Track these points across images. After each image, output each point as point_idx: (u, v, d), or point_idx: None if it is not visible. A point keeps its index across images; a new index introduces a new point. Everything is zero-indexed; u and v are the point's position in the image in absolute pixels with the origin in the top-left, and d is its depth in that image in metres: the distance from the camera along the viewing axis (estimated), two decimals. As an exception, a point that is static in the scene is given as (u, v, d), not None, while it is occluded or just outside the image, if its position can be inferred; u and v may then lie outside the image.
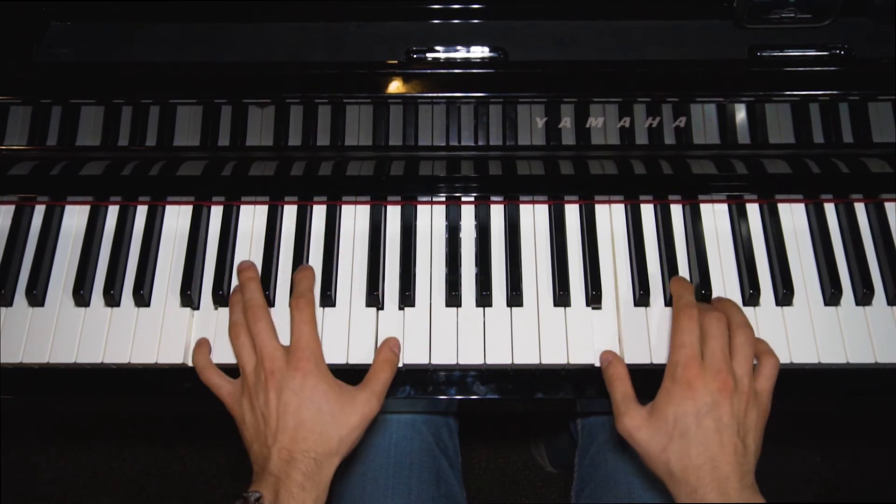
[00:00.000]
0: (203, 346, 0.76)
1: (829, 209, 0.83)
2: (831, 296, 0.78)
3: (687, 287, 0.75)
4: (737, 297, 0.79)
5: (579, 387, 0.77)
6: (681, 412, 0.65)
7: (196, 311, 0.79)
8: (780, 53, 0.73)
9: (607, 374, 0.73)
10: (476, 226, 0.83)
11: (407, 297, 0.78)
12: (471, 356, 0.76)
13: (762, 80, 0.72)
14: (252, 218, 0.84)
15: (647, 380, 0.74)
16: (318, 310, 0.79)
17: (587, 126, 0.74)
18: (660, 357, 0.76)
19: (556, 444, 1.49)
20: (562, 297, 0.78)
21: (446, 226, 0.83)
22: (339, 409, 0.68)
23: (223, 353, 0.76)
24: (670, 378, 0.68)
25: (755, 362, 0.71)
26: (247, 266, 0.78)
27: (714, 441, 0.64)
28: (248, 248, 0.82)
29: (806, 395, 0.78)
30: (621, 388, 0.71)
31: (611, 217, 0.83)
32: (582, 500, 0.89)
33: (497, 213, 0.84)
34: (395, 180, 0.83)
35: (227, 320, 0.77)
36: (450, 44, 0.73)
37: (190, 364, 0.76)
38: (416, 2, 0.75)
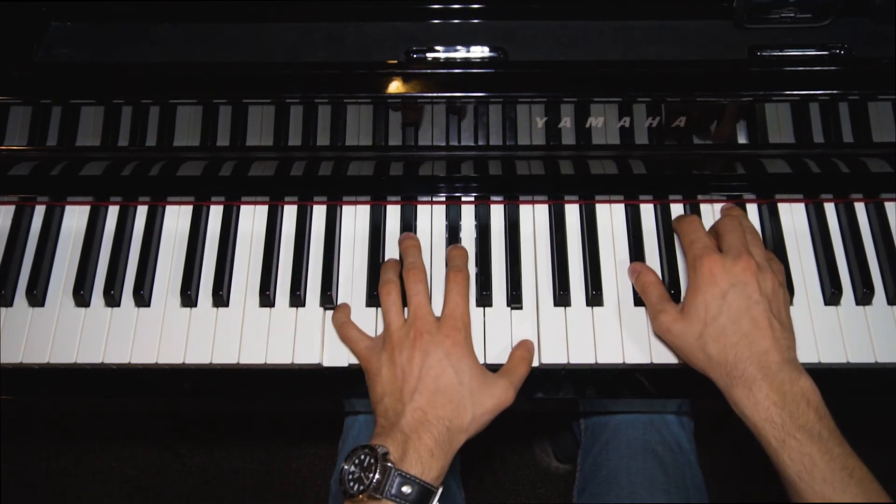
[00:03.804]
0: (346, 308, 0.78)
1: (829, 209, 0.83)
2: (831, 295, 0.78)
3: (683, 215, 0.80)
4: (737, 297, 0.79)
5: (579, 386, 0.77)
6: (709, 297, 0.67)
7: (196, 312, 0.79)
8: (780, 53, 0.73)
9: (640, 283, 0.76)
10: (476, 226, 0.83)
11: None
12: (471, 356, 0.76)
13: (762, 80, 0.72)
14: (252, 218, 0.84)
15: (649, 379, 0.74)
16: (318, 310, 0.79)
17: (587, 126, 0.74)
18: (660, 357, 0.75)
19: (560, 441, 1.49)
20: (562, 296, 0.78)
21: (446, 226, 0.83)
22: (478, 388, 0.67)
23: (228, 351, 0.76)
24: (693, 272, 0.70)
25: None
26: (410, 236, 0.80)
27: (745, 317, 0.65)
28: (249, 248, 0.82)
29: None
30: (656, 291, 0.74)
31: (611, 217, 0.83)
32: (584, 500, 0.89)
33: (497, 213, 0.84)
34: (395, 180, 0.83)
35: (228, 321, 0.78)
36: (450, 44, 0.73)
37: (189, 363, 0.76)
38: (416, 2, 0.75)
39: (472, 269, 0.81)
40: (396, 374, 0.67)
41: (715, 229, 0.75)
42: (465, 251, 0.78)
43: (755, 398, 0.62)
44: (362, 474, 0.60)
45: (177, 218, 0.84)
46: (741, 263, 0.67)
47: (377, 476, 0.60)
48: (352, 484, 0.61)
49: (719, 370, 0.65)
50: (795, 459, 0.60)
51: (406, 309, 0.73)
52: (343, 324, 0.75)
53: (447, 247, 0.81)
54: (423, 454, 0.62)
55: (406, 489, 0.60)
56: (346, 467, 0.62)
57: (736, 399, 0.64)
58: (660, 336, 0.73)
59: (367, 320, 0.78)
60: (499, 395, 0.68)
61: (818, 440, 0.60)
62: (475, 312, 0.78)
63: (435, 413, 0.65)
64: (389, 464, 0.60)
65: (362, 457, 0.61)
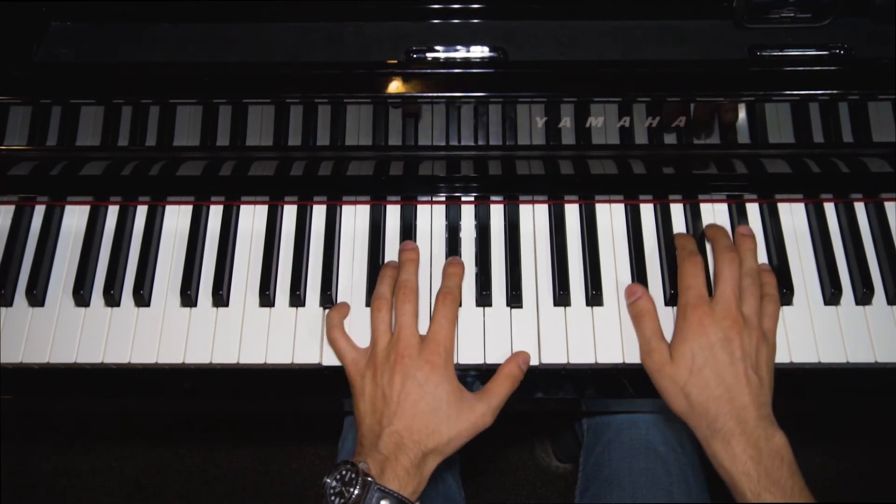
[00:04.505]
0: (343, 308, 0.78)
1: (829, 209, 0.83)
2: (831, 295, 0.78)
3: (690, 239, 0.79)
4: (737, 297, 0.79)
5: (579, 386, 0.77)
6: (697, 347, 0.68)
7: (196, 311, 0.79)
8: (780, 53, 0.73)
9: (636, 308, 0.75)
10: (476, 226, 0.83)
11: (407, 297, 0.78)
12: (470, 355, 0.76)
13: (762, 79, 0.72)
14: (252, 218, 0.84)
15: (649, 379, 0.74)
16: (318, 310, 0.79)
17: (587, 126, 0.74)
18: (660, 357, 0.75)
19: (561, 440, 1.49)
20: (562, 296, 0.78)
21: (446, 226, 0.83)
22: (454, 414, 0.69)
23: (228, 351, 0.77)
24: (682, 318, 0.71)
25: None
26: (410, 248, 0.79)
27: (729, 373, 0.67)
28: (248, 248, 0.82)
29: (806, 395, 0.78)
30: (650, 325, 0.73)
31: (611, 217, 0.83)
32: (586, 500, 0.89)
33: (497, 212, 0.83)
34: (395, 180, 0.83)
35: (228, 321, 0.78)
36: (450, 44, 0.73)
37: (189, 363, 0.76)
38: (416, 2, 0.75)
39: (472, 269, 0.81)
40: (377, 397, 0.70)
41: (716, 263, 0.74)
42: (461, 269, 0.78)
43: (733, 451, 0.65)
44: (343, 488, 0.64)
45: (177, 218, 0.84)
46: (729, 320, 0.69)
47: (357, 490, 0.63)
48: (333, 497, 0.64)
49: (700, 420, 0.68)
50: None
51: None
52: (333, 327, 0.76)
53: (447, 247, 0.81)
54: (399, 473, 0.66)
55: (385, 502, 0.63)
56: (328, 481, 0.65)
57: (714, 450, 0.66)
58: (648, 372, 0.72)
59: (367, 319, 0.77)
60: (475, 420, 0.70)
61: (790, 496, 0.63)
62: (475, 312, 0.78)
63: (411, 438, 0.67)
64: (370, 478, 0.64)
65: (344, 472, 0.65)
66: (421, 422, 0.68)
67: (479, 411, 0.70)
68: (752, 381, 0.67)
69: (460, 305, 0.78)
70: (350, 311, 0.78)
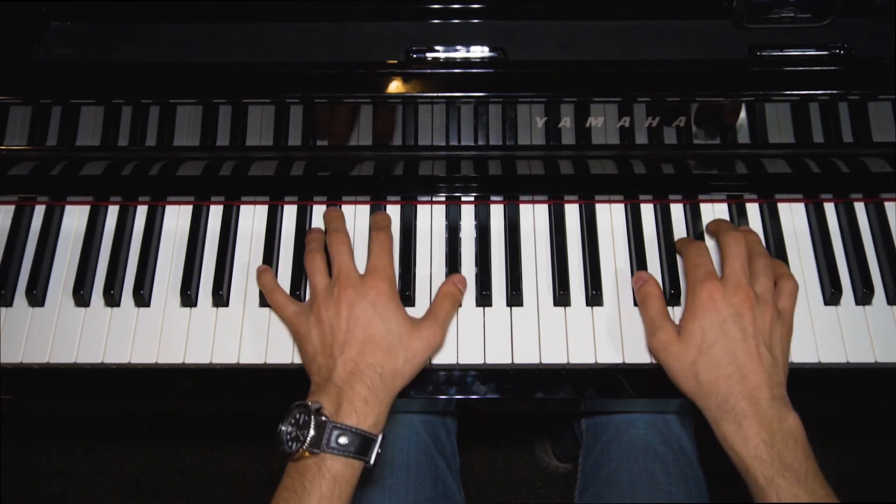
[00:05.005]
0: (267, 270, 0.79)
1: (829, 209, 0.83)
2: (831, 295, 0.78)
3: (690, 238, 0.80)
4: (737, 297, 0.79)
5: (579, 386, 0.77)
6: (707, 324, 0.67)
7: (196, 311, 0.79)
8: (780, 53, 0.73)
9: (642, 292, 0.74)
10: (476, 226, 0.83)
11: (407, 297, 0.78)
12: (471, 355, 0.76)
13: (762, 79, 0.72)
14: (252, 218, 0.84)
15: (648, 379, 0.74)
16: (318, 310, 0.79)
17: (587, 126, 0.74)
18: (660, 357, 0.75)
19: (561, 440, 1.49)
20: (562, 296, 0.78)
21: (446, 226, 0.83)
22: (406, 333, 0.69)
23: (228, 351, 0.77)
24: (692, 295, 0.69)
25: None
26: (333, 209, 0.83)
27: (741, 350, 0.65)
28: (248, 247, 0.82)
29: (806, 395, 0.77)
30: (656, 305, 0.73)
31: (611, 217, 0.83)
32: (585, 500, 0.89)
33: (497, 212, 0.84)
34: (395, 180, 0.83)
35: (228, 320, 0.78)
36: (450, 44, 0.73)
37: (189, 363, 0.77)
38: (416, 2, 0.75)
39: (472, 269, 0.81)
40: (325, 332, 0.69)
41: (721, 245, 0.74)
42: (387, 216, 0.80)
43: (745, 434, 0.62)
44: (298, 432, 0.61)
45: (177, 218, 0.84)
46: (740, 294, 0.67)
47: (312, 432, 0.61)
48: (290, 443, 0.61)
49: (709, 400, 0.65)
50: (783, 498, 0.60)
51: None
52: (272, 289, 0.76)
53: (447, 247, 0.81)
54: (356, 404, 0.63)
55: (343, 440, 0.61)
56: (282, 428, 0.62)
57: (725, 433, 0.64)
58: (653, 353, 0.71)
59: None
60: (427, 336, 0.70)
61: (804, 481, 0.61)
62: (475, 312, 0.78)
63: (366, 362, 0.66)
64: (324, 417, 0.62)
65: (297, 415, 0.62)
66: (374, 344, 0.67)
67: (427, 327, 0.71)
68: (764, 358, 0.65)
69: (460, 306, 0.78)
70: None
